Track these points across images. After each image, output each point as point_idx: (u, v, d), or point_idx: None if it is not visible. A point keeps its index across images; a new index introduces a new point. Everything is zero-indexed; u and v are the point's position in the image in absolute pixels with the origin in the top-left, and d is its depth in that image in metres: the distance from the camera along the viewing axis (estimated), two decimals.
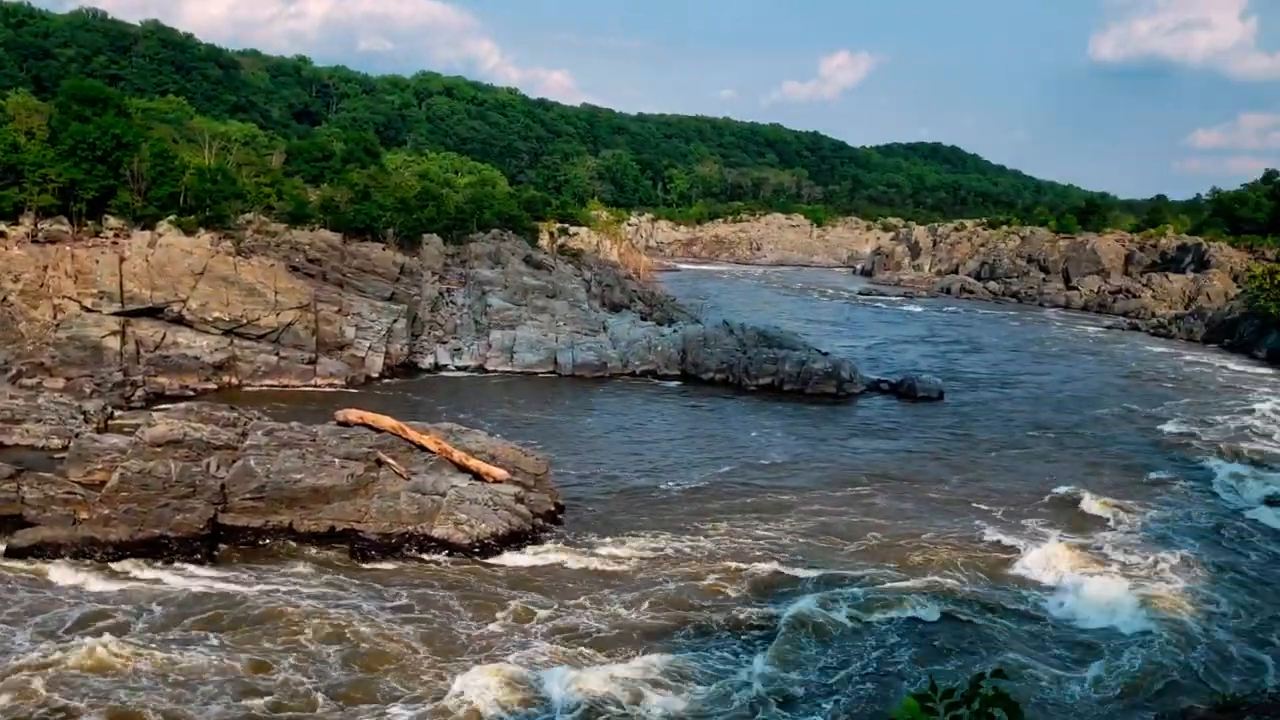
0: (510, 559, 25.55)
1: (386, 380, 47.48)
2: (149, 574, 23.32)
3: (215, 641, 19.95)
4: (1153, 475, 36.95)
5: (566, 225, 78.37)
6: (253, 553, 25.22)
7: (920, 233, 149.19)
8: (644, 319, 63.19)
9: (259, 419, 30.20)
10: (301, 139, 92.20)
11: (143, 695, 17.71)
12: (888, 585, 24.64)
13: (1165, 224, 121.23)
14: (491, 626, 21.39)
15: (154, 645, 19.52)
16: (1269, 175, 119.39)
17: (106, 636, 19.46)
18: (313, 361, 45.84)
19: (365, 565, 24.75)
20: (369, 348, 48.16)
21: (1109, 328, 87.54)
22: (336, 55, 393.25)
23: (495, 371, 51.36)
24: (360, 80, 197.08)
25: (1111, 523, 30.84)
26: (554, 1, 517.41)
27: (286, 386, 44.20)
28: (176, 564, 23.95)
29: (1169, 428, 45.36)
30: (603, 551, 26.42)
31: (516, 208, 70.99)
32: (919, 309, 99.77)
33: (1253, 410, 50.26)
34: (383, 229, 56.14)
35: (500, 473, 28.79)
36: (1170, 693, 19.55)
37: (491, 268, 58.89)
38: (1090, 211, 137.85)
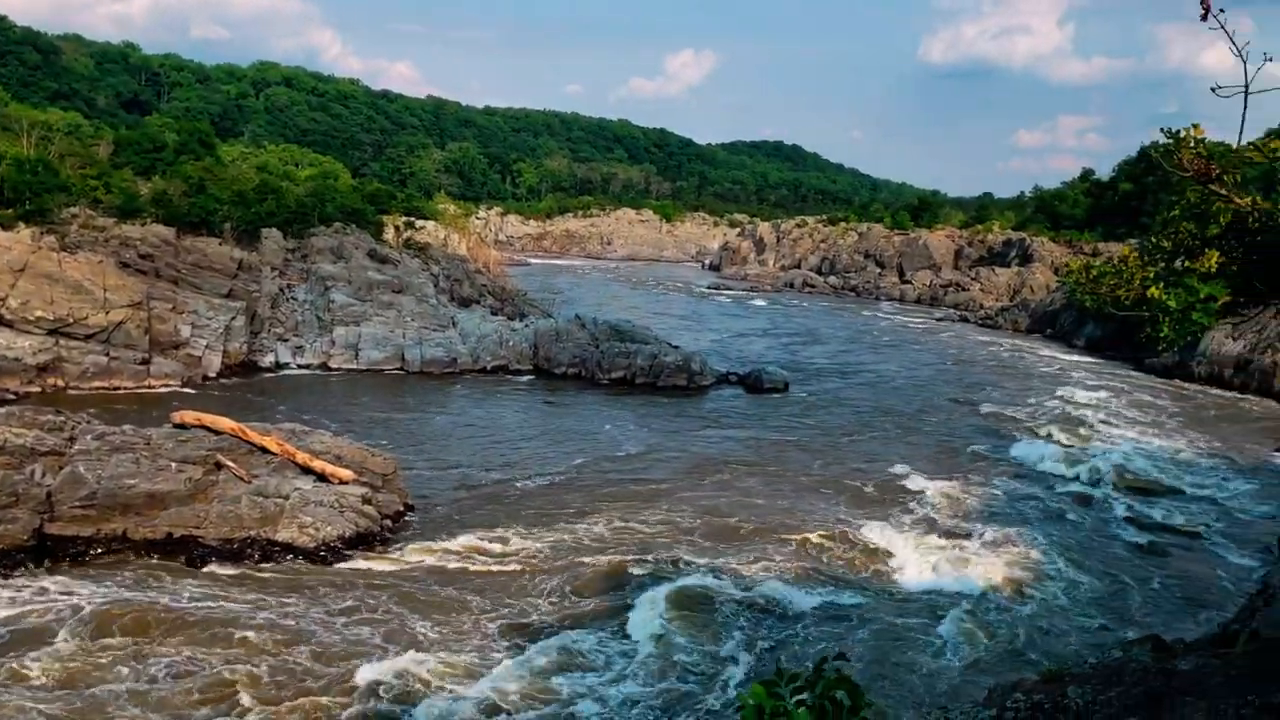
0: (358, 561, 24.92)
1: (225, 380, 45.64)
2: None
3: (40, 656, 18.78)
4: (983, 455, 38.91)
5: (413, 219, 76.81)
6: (83, 563, 23.84)
7: (764, 229, 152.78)
8: (495, 314, 62.65)
9: (88, 422, 28.52)
10: (131, 129, 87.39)
11: None
12: (741, 570, 25.13)
13: (992, 220, 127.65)
14: (335, 631, 20.83)
15: None
16: (1085, 174, 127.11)
17: None
18: (146, 362, 43.65)
19: (205, 571, 23.72)
20: (206, 347, 46.18)
21: (940, 319, 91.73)
22: (168, 43, 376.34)
23: (340, 369, 50.04)
24: (194, 69, 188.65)
25: (947, 502, 32.30)
26: None
27: (118, 388, 41.96)
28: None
29: (997, 411, 47.83)
30: (454, 550, 26.07)
31: (360, 201, 69.18)
32: (764, 303, 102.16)
33: (1073, 395, 53.50)
34: (219, 223, 53.84)
35: (346, 474, 28.07)
36: (1006, 665, 20.60)
37: (334, 262, 57.27)
38: (922, 208, 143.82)
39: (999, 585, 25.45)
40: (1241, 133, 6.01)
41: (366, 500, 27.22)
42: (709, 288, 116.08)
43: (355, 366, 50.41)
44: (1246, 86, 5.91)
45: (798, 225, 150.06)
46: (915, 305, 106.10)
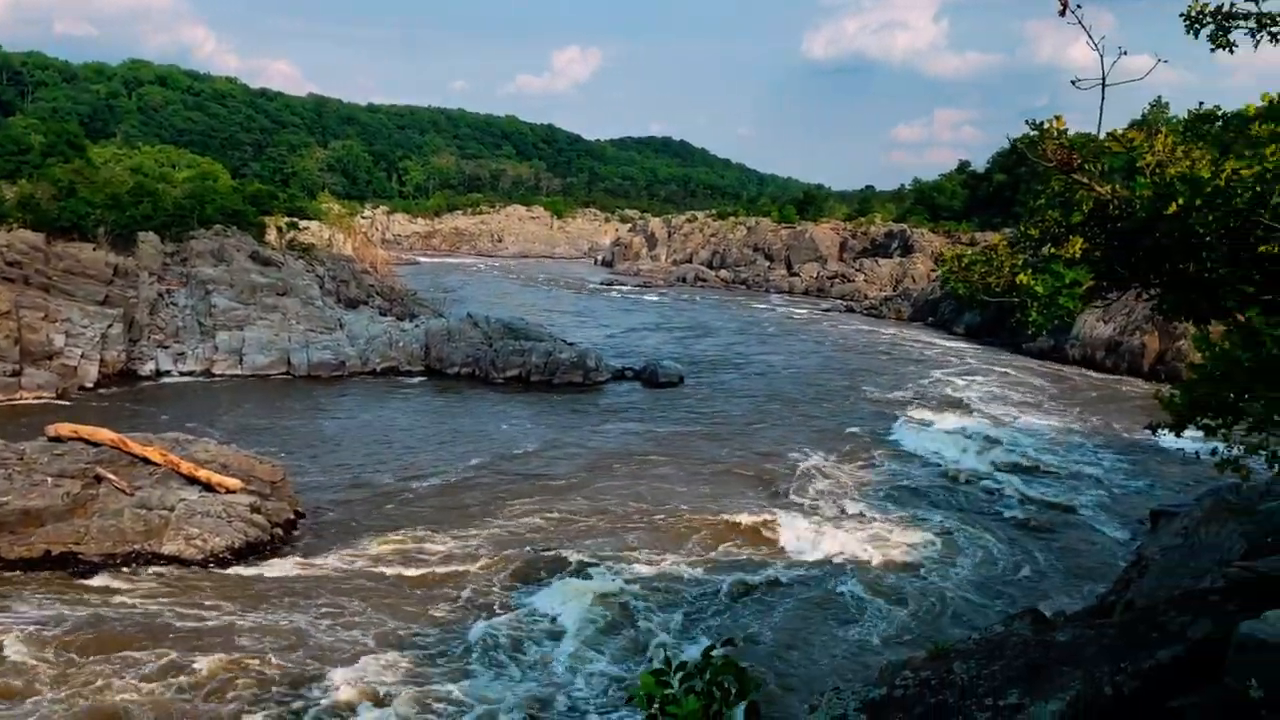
0: (248, 571, 24.27)
1: (103, 390, 43.90)
2: None
3: None
4: (870, 439, 39.87)
5: (296, 220, 74.90)
6: None
7: (656, 224, 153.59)
8: (383, 315, 61.64)
9: None
10: None
11: None
12: (644, 561, 25.25)
13: (874, 213, 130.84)
14: (228, 644, 20.23)
15: None
16: (962, 166, 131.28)
17: None
18: (17, 373, 41.68)
19: (87, 588, 22.77)
20: (82, 356, 44.34)
21: (828, 310, 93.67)
22: (30, 39, 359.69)
23: (223, 375, 48.61)
24: (59, 68, 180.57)
25: (838, 485, 33.03)
26: None
27: None
28: None
29: (882, 396, 49.07)
30: (347, 556, 25.60)
31: (241, 202, 67.18)
32: (657, 298, 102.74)
33: (953, 379, 55.22)
34: (92, 228, 51.71)
35: (233, 482, 27.30)
36: (897, 642, 21.16)
37: (215, 266, 55.56)
38: (808, 202, 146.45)
39: (890, 564, 26.14)
40: (1100, 124, 6.30)
41: (255, 509, 26.54)
42: (602, 284, 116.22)
43: (240, 372, 49.02)
44: (1104, 79, 6.19)
45: (688, 220, 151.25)
46: (803, 297, 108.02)
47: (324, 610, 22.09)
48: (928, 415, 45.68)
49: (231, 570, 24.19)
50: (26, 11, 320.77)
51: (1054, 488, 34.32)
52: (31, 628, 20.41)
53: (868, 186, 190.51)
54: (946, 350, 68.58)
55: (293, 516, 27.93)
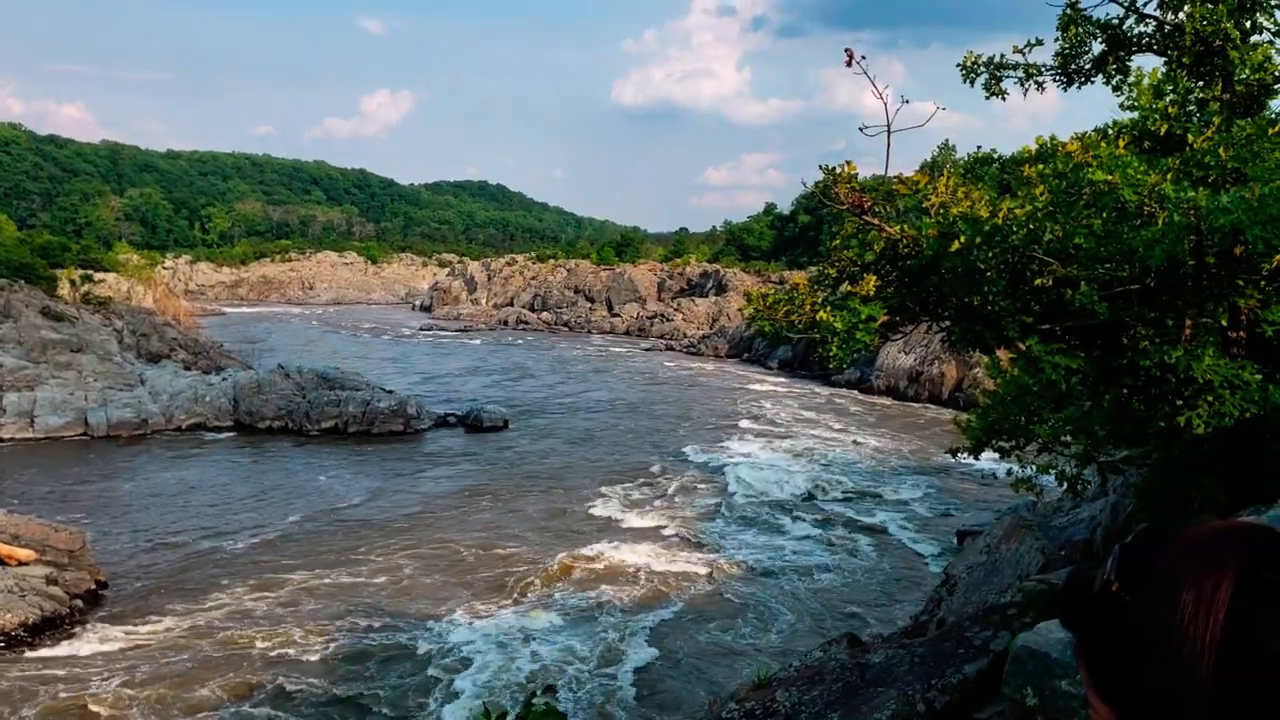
0: (44, 650, 22.48)
1: None
2: None
3: None
4: (691, 471, 40.56)
5: (90, 272, 70.86)
6: None
7: (475, 268, 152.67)
8: (188, 369, 58.75)
9: None
10: None
11: None
12: (472, 611, 24.77)
13: (689, 254, 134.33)
14: None
15: None
16: (769, 208, 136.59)
17: None
18: None
19: None
20: None
21: (648, 349, 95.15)
22: None
23: (12, 439, 45.13)
24: None
25: (659, 519, 33.40)
26: (59, 28, 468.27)
27: None
28: None
29: (700, 430, 50.09)
30: (154, 626, 24.05)
31: (28, 254, 63.11)
32: (479, 341, 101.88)
33: (767, 412, 56.94)
34: None
35: (25, 553, 25.31)
36: (722, 672, 21.47)
37: (1, 322, 51.75)
38: (625, 244, 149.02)
39: (711, 594, 26.56)
40: (887, 166, 6.68)
41: (51, 580, 24.67)
42: (421, 329, 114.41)
43: (31, 435, 45.64)
44: (889, 126, 6.57)
45: (508, 264, 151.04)
46: (625, 337, 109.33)
47: (126, 688, 20.65)
48: (744, 446, 46.94)
49: (25, 650, 22.35)
50: None
51: (866, 512, 35.72)
52: None
53: (682, 228, 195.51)
54: (761, 384, 70.71)
55: (94, 586, 26.08)
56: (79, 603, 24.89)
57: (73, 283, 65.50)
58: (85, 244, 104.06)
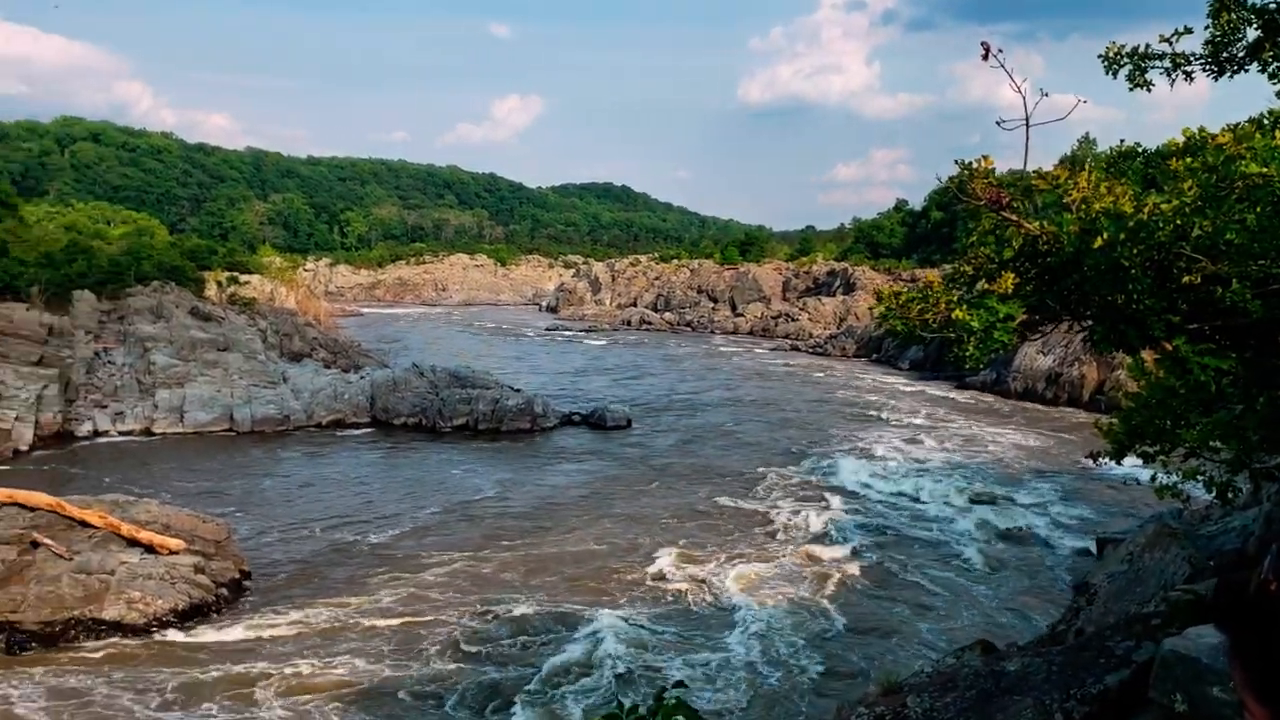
0: (192, 634, 23.70)
1: (39, 452, 42.79)
2: None
3: None
4: (820, 476, 40.10)
5: (236, 274, 74.24)
6: None
7: (599, 269, 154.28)
8: (328, 367, 60.99)
9: None
10: None
11: None
12: (599, 607, 25.09)
13: (815, 252, 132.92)
14: (171, 710, 19.72)
15: None
16: (900, 204, 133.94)
17: None
18: None
19: (23, 658, 22.08)
20: (16, 418, 43.23)
21: (773, 349, 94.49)
22: None
23: (164, 434, 47.67)
24: None
25: (790, 523, 33.12)
26: (209, 40, 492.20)
27: None
28: None
29: (830, 433, 49.46)
30: (296, 615, 25.08)
31: (179, 258, 66.44)
32: (603, 341, 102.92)
33: (899, 415, 55.87)
34: (25, 287, 50.77)
35: (176, 543, 26.69)
36: (851, 679, 21.19)
37: (154, 323, 54.70)
38: (750, 243, 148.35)
39: (839, 599, 26.22)
40: (1026, 161, 6.51)
41: (199, 570, 25.95)
42: (547, 329, 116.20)
43: (181, 430, 48.13)
44: (1027, 120, 6.41)
45: (631, 264, 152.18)
46: (748, 337, 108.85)
47: (271, 673, 21.60)
48: (874, 447, 46.19)
49: (175, 634, 23.60)
50: None
51: (1001, 518, 34.73)
52: None
53: (808, 226, 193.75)
54: (891, 385, 69.45)
55: (238, 576, 27.33)
56: (224, 591, 26.12)
57: (220, 284, 68.72)
58: (231, 247, 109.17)
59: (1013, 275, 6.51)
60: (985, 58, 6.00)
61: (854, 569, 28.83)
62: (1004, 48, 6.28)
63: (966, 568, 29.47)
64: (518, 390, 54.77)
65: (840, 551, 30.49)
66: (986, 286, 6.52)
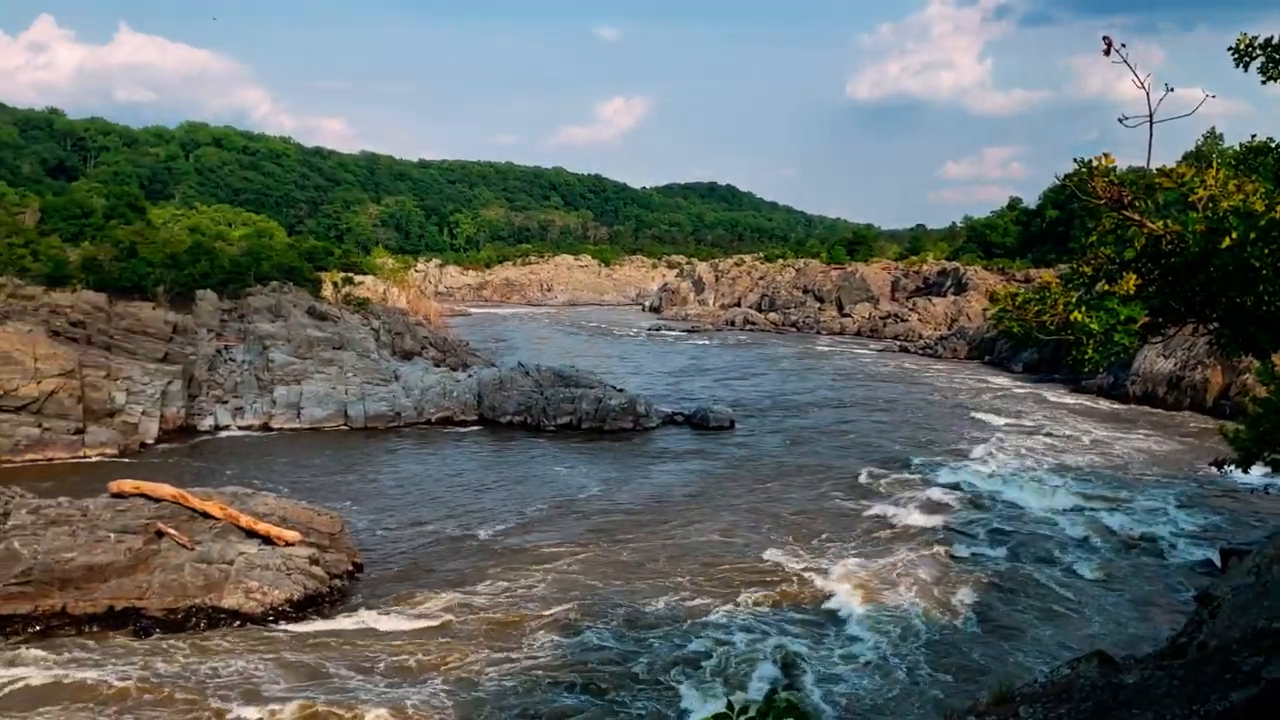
0: (307, 624, 24.47)
1: (164, 446, 44.75)
2: None
3: None
4: (930, 480, 39.33)
5: (351, 274, 76.41)
6: (21, 642, 23.10)
7: (703, 269, 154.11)
8: (437, 365, 62.28)
9: (21, 496, 27.80)
10: (57, 195, 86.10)
11: None
12: (708, 608, 25.10)
13: (926, 251, 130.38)
14: (291, 701, 20.38)
15: None
16: (1013, 203, 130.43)
17: None
18: (80, 431, 42.64)
19: (148, 644, 23.11)
20: (143, 413, 45.28)
21: (881, 350, 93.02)
22: (93, 107, 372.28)
23: (281, 429, 49.35)
24: (120, 132, 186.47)
25: (898, 528, 32.59)
26: (325, 47, 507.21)
27: (52, 460, 40.90)
28: None
29: (942, 436, 48.47)
30: (407, 607, 25.70)
31: (296, 258, 68.68)
32: (706, 342, 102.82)
33: (1014, 418, 54.44)
34: (152, 286, 53.13)
35: (292, 535, 27.60)
36: (962, 687, 20.75)
37: (272, 321, 56.67)
38: (857, 242, 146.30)
39: (950, 605, 25.70)
40: (1149, 158, 6.29)
41: (314, 561, 26.78)
42: (650, 329, 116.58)
43: (298, 425, 49.75)
44: (1151, 116, 6.20)
45: (736, 264, 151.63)
46: (855, 338, 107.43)
47: (383, 663, 22.18)
48: (985, 451, 45.14)
49: (291, 624, 24.41)
50: (90, 81, 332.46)
51: (1119, 525, 33.59)
52: (100, 681, 20.72)
53: (918, 225, 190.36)
54: (1004, 388, 67.74)
55: (351, 568, 28.13)
56: (338, 582, 26.91)
57: (335, 285, 70.81)
58: (346, 248, 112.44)
59: (1135, 276, 6.30)
60: (1107, 53, 5.82)
61: (968, 572, 28.23)
62: (1125, 42, 6.08)
63: (1082, 574, 28.59)
64: (620, 390, 55.11)
65: (954, 553, 29.91)
66: (1107, 288, 6.32)
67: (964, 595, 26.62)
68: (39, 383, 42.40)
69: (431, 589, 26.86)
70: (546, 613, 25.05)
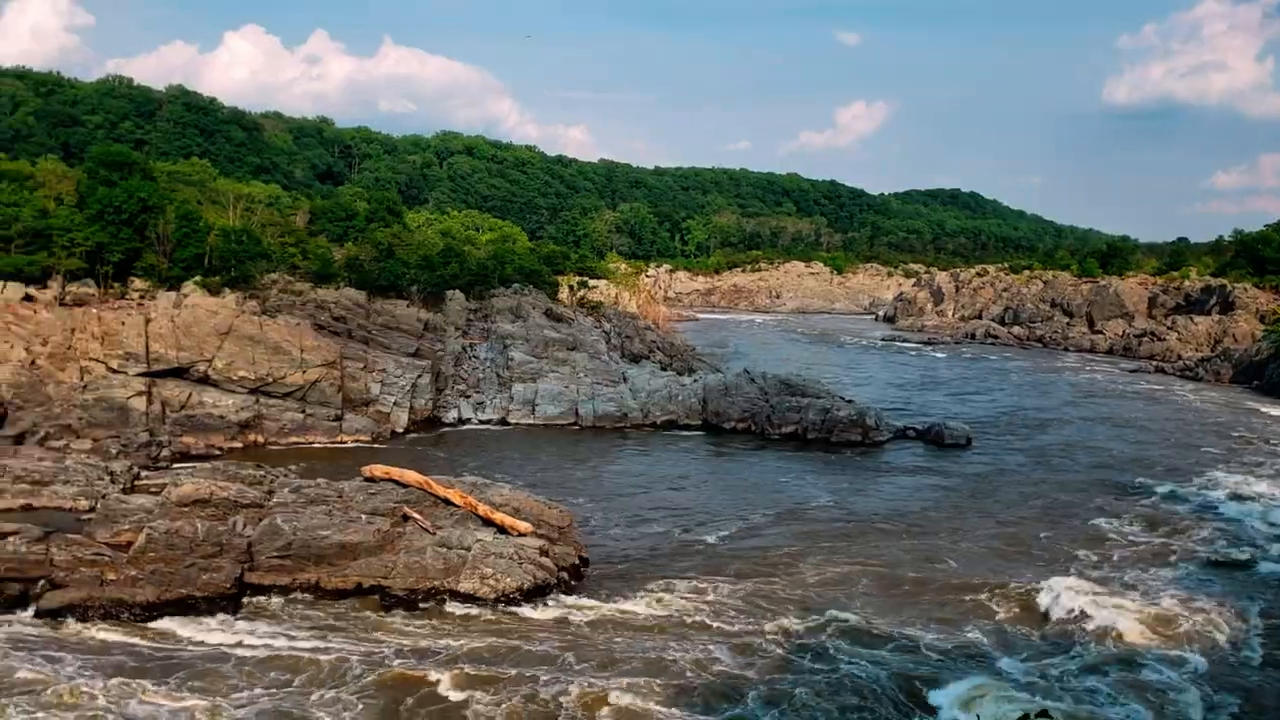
0: (535, 612, 25.28)
1: (411, 435, 47.50)
2: (185, 632, 23.21)
3: (249, 693, 19.78)
4: (1180, 513, 36.34)
5: (585, 278, 78.83)
6: (279, 610, 25.04)
7: (943, 278, 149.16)
8: (664, 369, 63.15)
9: (285, 476, 30.21)
10: (325, 199, 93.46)
11: None
12: (933, 633, 24.20)
13: (1188, 266, 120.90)
14: (518, 686, 21.05)
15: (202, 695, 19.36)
16: None
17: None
18: (339, 418, 45.93)
19: (392, 620, 24.52)
20: (394, 403, 48.27)
21: (1134, 371, 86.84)
22: (358, 116, 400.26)
23: (517, 424, 51.33)
24: (382, 141, 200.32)
25: (1137, 562, 30.29)
26: (571, 59, 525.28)
27: (313, 444, 44.25)
28: (204, 622, 23.81)
29: (1198, 466, 44.70)
30: (628, 604, 26.06)
31: (536, 262, 71.51)
32: (943, 355, 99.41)
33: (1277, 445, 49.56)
34: (407, 286, 56.64)
35: (524, 526, 28.60)
36: None
37: (512, 322, 59.15)
38: (1112, 255, 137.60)
39: (1193, 644, 23.60)
40: None
41: (544, 552, 27.63)
42: (883, 340, 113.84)
43: (532, 421, 51.62)
44: None
45: (978, 274, 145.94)
46: (1106, 356, 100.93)
47: (605, 655, 22.57)
48: (1244, 483, 41.38)
49: (521, 610, 25.27)
50: (357, 93, 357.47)
51: None
52: (352, 653, 22.15)
53: (1180, 238, 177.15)
54: (1274, 416, 61.74)
55: (578, 561, 28.85)
56: (564, 575, 27.64)
57: (571, 288, 73.19)
58: (582, 253, 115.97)
59: None
60: None
61: (1214, 613, 25.84)
62: None
63: None
64: (850, 401, 53.99)
65: (1201, 594, 27.43)
66: None
67: (1213, 634, 24.39)
68: (304, 372, 45.97)
69: (654, 589, 27.14)
70: (771, 622, 24.79)
